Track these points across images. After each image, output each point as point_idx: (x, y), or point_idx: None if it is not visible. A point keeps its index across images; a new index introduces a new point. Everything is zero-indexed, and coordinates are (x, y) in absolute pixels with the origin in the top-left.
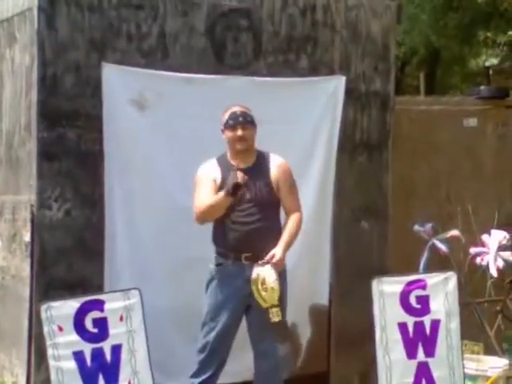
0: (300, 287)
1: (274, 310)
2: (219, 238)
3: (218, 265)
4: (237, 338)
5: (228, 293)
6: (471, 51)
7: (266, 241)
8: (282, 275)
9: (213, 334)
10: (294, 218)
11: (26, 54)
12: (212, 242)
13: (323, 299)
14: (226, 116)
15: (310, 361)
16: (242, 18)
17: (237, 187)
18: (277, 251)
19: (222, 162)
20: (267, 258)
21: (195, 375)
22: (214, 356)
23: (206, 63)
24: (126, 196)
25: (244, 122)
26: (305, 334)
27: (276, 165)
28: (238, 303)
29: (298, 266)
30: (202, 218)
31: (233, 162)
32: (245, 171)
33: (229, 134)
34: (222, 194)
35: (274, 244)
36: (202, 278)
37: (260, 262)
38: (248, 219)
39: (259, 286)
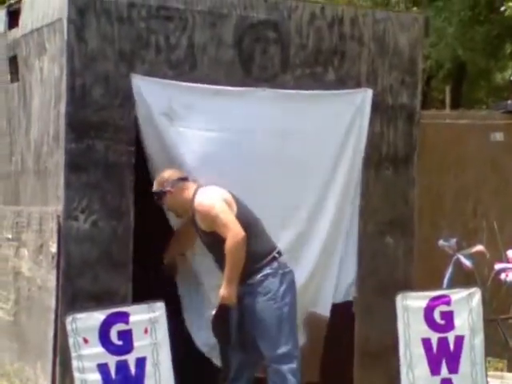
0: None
1: None
2: None
3: None
4: None
5: None
6: (497, 65)
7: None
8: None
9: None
10: (226, 249)
11: (55, 65)
12: None
13: (324, 310)
14: None
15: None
16: (269, 31)
17: None
18: (220, 292)
19: None
20: None
21: None
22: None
23: (233, 75)
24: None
25: (156, 200)
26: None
27: (195, 210)
28: (226, 320)
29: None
30: None
31: None
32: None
33: None
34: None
35: (244, 269)
36: None
37: None
38: (214, 259)
39: None
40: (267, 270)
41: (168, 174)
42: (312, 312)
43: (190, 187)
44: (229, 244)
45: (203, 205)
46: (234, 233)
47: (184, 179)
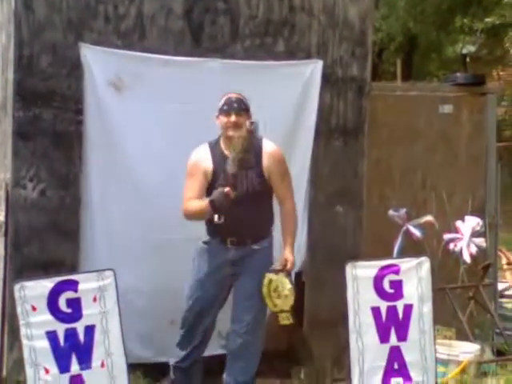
0: None
1: (284, 314)
2: (209, 219)
3: (204, 242)
4: None
5: (207, 272)
6: (448, 38)
7: (254, 229)
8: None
9: (190, 312)
10: (288, 212)
11: (3, 34)
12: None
13: None
14: (222, 102)
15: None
16: (219, 1)
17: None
18: (288, 257)
19: (215, 150)
20: (281, 265)
21: (178, 347)
22: (191, 333)
23: (183, 45)
24: (102, 176)
25: (238, 108)
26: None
27: (267, 153)
28: (216, 283)
29: None
30: (189, 218)
31: (226, 152)
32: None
33: (223, 119)
34: (207, 204)
35: (261, 230)
36: (180, 256)
37: (273, 268)
38: (238, 208)
39: (271, 293)
40: (270, 240)
41: None
42: None
43: None
44: (292, 208)
45: (281, 154)
46: (293, 200)
47: None
